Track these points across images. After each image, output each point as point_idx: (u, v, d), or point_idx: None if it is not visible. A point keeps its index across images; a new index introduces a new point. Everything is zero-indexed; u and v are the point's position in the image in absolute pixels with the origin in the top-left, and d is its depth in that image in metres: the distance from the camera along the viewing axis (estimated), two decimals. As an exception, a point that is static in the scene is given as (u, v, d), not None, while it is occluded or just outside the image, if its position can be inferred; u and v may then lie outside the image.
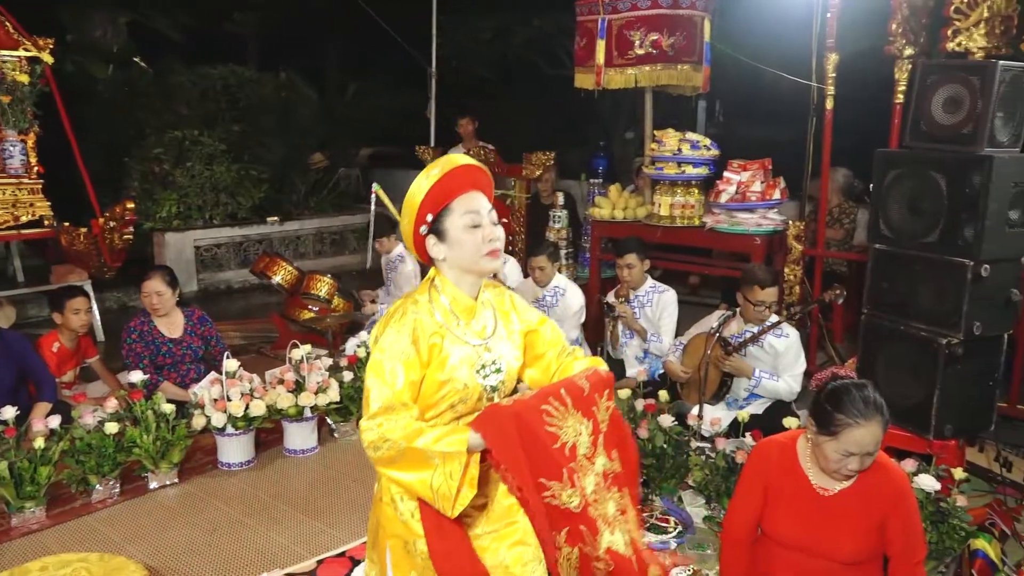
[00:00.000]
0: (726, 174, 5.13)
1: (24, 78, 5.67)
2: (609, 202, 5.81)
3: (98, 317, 6.02)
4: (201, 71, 8.89)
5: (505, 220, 6.65)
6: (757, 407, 3.91)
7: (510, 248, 6.58)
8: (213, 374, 4.06)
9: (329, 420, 4.28)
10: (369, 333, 4.66)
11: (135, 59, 9.37)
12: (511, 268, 5.52)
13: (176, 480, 3.75)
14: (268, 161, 8.93)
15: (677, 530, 3.23)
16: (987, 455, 3.82)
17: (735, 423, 3.54)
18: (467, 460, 1.71)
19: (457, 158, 1.86)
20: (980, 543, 2.88)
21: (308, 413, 4.04)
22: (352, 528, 3.32)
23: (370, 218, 5.21)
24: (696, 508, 3.43)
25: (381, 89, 11.17)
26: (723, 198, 5.08)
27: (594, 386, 1.86)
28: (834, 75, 4.65)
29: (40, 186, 5.87)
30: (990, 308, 3.29)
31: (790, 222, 4.94)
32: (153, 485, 3.69)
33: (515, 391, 1.94)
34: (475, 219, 1.83)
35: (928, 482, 2.91)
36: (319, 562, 3.06)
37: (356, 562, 3.02)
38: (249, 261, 8.04)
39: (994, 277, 3.23)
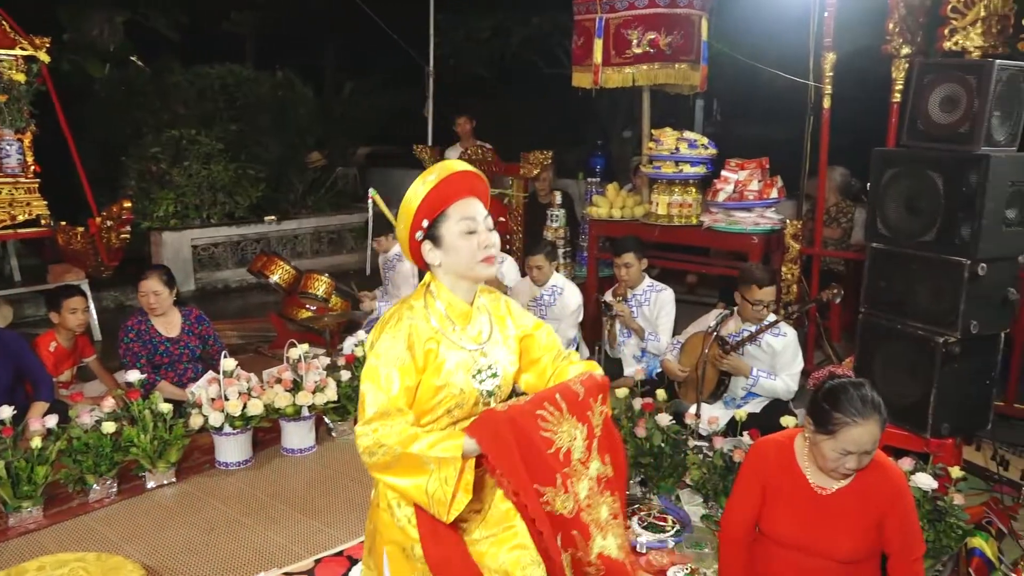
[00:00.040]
0: (724, 173, 5.13)
1: (21, 77, 5.66)
2: (607, 201, 5.81)
3: (95, 316, 6.03)
4: (198, 70, 8.88)
5: (503, 219, 6.64)
6: (755, 406, 3.91)
7: (508, 247, 6.57)
8: (210, 373, 4.05)
9: (327, 419, 4.27)
10: (367, 333, 4.66)
11: (132, 58, 9.35)
12: (509, 267, 5.52)
13: (173, 479, 3.74)
14: (265, 160, 8.92)
15: (675, 529, 3.23)
16: (984, 453, 3.82)
17: (733, 422, 3.54)
18: (462, 465, 1.72)
19: (454, 164, 1.86)
20: (977, 541, 2.89)
21: (306, 412, 4.03)
22: (350, 527, 3.32)
23: (368, 221, 5.19)
24: (694, 507, 3.43)
25: (379, 88, 11.17)
26: (721, 197, 5.08)
27: (589, 391, 1.86)
28: (831, 74, 4.65)
29: (37, 185, 5.87)
30: (987, 307, 3.29)
31: (788, 221, 4.94)
32: (150, 484, 3.69)
33: (511, 396, 1.94)
34: (471, 225, 1.83)
35: (925, 480, 2.91)
36: (317, 561, 3.06)
37: (354, 561, 3.02)
38: (246, 260, 8.04)
39: (991, 276, 3.23)
